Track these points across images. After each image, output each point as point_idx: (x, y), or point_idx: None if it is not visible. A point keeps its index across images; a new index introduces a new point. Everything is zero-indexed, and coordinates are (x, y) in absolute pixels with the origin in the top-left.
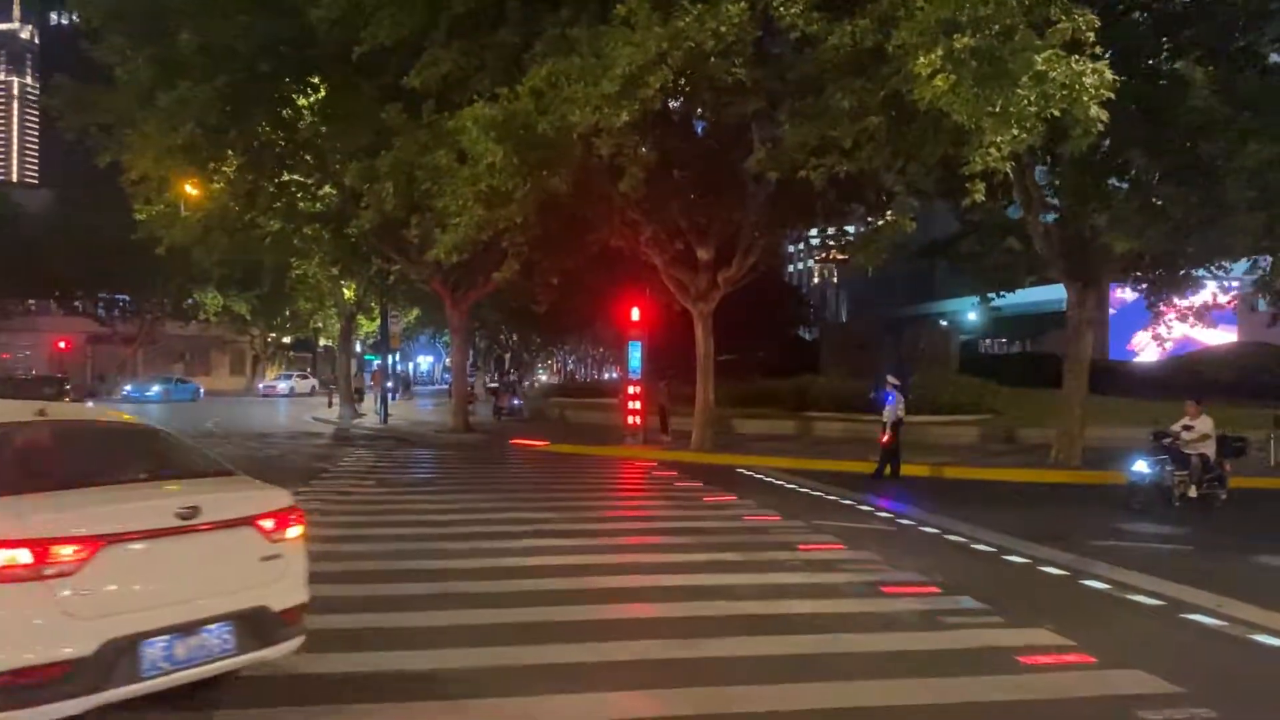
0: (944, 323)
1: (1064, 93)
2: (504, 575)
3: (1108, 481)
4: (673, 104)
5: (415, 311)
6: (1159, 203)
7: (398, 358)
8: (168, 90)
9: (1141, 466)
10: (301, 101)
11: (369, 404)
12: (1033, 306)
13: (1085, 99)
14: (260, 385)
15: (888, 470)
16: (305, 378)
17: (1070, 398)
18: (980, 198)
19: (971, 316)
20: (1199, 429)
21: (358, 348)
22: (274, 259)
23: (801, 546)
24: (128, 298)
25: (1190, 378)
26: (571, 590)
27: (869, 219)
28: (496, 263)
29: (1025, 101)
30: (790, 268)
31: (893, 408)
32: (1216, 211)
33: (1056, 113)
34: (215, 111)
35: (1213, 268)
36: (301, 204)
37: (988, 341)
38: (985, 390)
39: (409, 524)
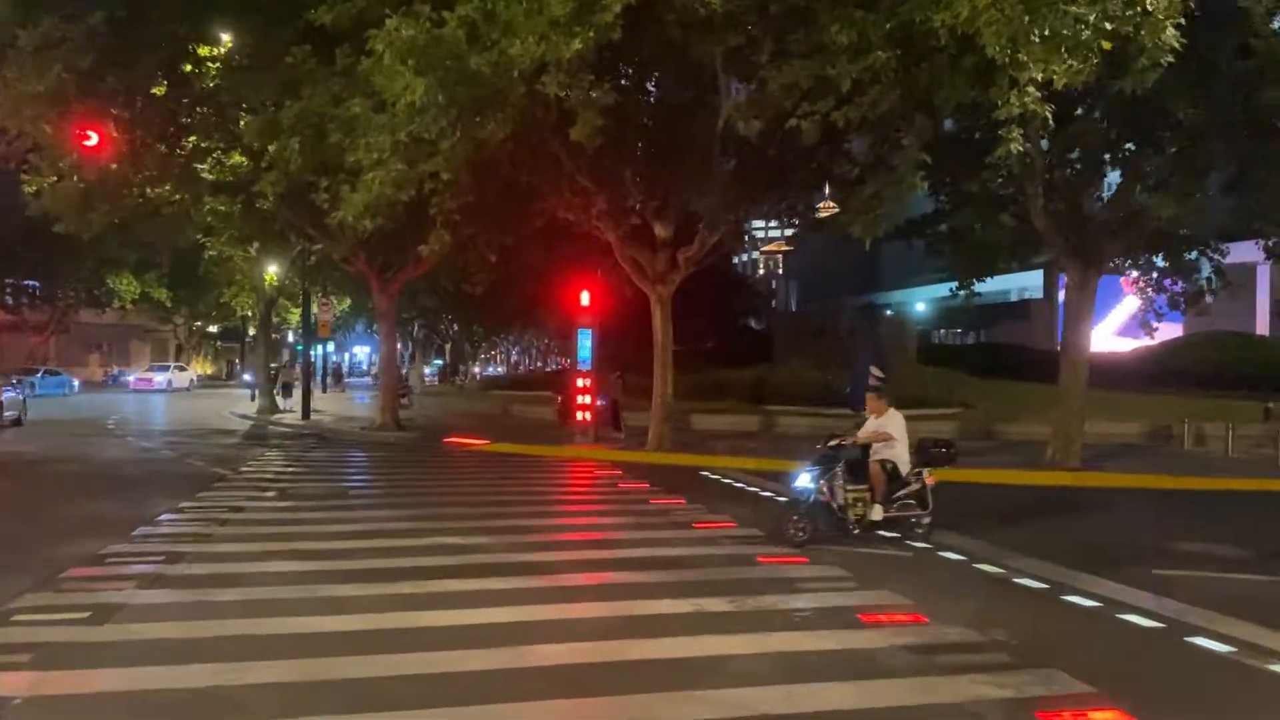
0: (889, 312)
1: (1129, 11)
2: (405, 645)
3: (1115, 485)
4: (629, 54)
5: (347, 300)
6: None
7: (331, 348)
8: (32, 28)
9: (805, 481)
10: (203, 51)
11: (299, 397)
12: (985, 296)
13: (1159, 16)
14: (132, 378)
15: None
16: (183, 369)
17: (1069, 392)
18: (1018, 147)
19: (920, 307)
20: (879, 427)
21: (290, 337)
22: (173, 236)
23: (805, 585)
24: (37, 284)
25: (1160, 368)
26: (501, 673)
27: (861, 184)
28: (426, 238)
29: (1081, 24)
30: (735, 259)
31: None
32: (1272, 172)
33: (1107, 45)
34: (89, 55)
35: (1210, 250)
36: (205, 172)
37: (941, 332)
38: (955, 382)
39: (301, 556)
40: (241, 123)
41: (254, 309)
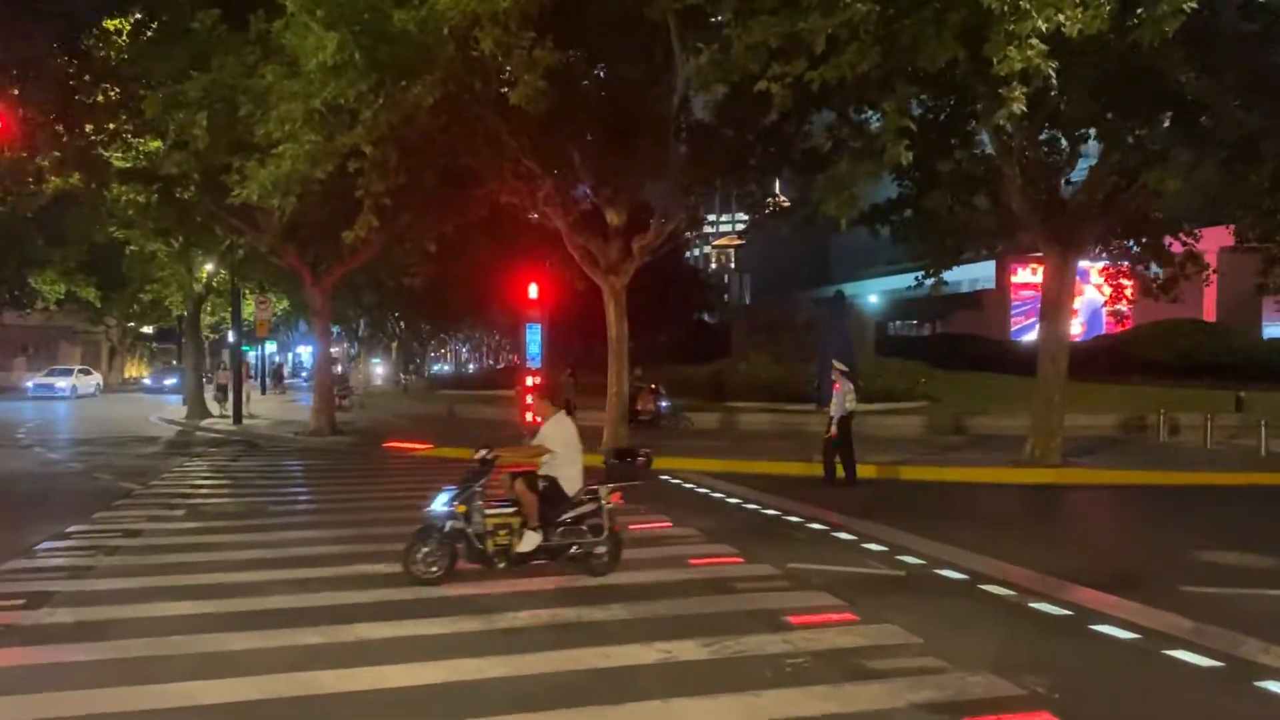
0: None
1: None
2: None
3: (1102, 482)
4: (575, 18)
5: (284, 300)
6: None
7: (274, 348)
8: None
9: (441, 503)
10: (110, 24)
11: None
12: (952, 286)
13: None
14: (30, 382)
15: (840, 473)
16: (89, 373)
17: (1048, 385)
18: (1021, 108)
19: (873, 299)
20: (539, 437)
21: (231, 336)
22: (91, 230)
23: (795, 620)
24: None
25: (1119, 357)
26: None
27: (833, 160)
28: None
29: None
30: (687, 253)
31: (840, 398)
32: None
33: None
34: None
35: (1186, 234)
36: (114, 158)
37: (896, 323)
38: (918, 374)
39: (195, 594)
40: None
41: (185, 308)
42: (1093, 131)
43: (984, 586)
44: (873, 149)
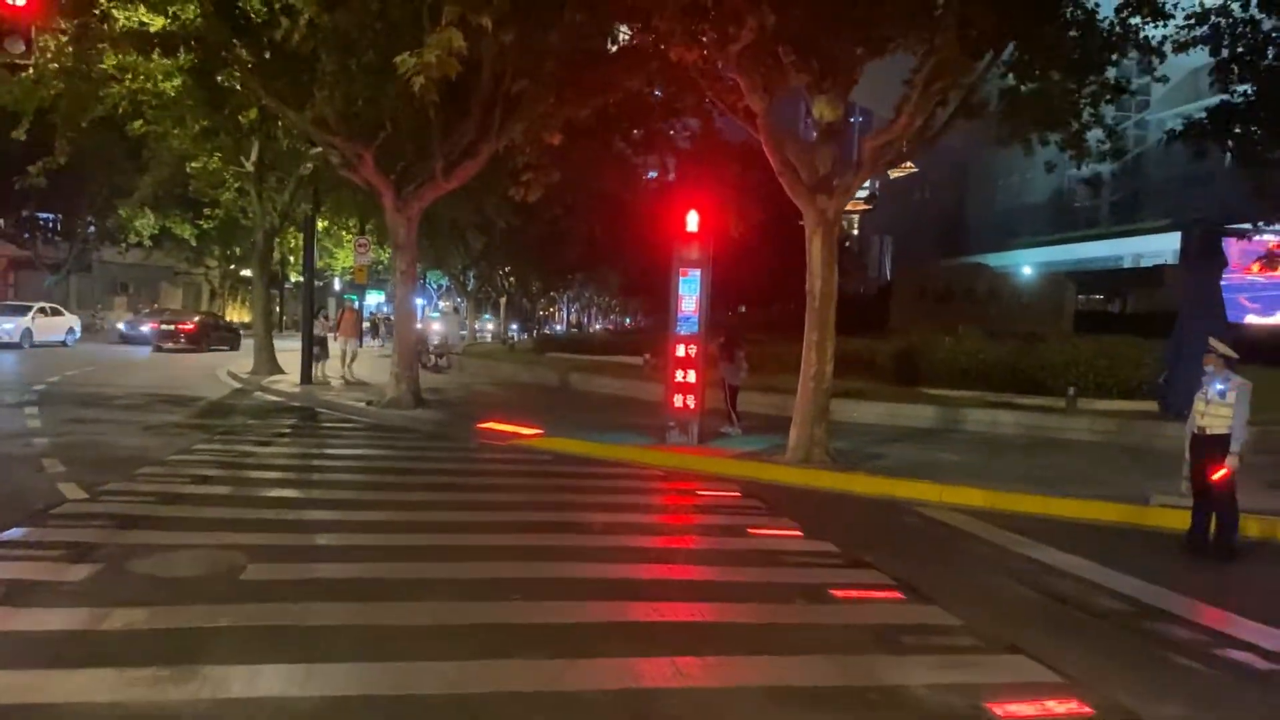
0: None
1: None
2: None
3: None
4: None
5: (384, 252)
6: None
7: (381, 297)
8: None
9: None
10: None
11: (344, 352)
12: (1113, 260)
13: None
14: None
15: (1212, 533)
16: (58, 314)
17: None
18: None
19: (1026, 270)
20: None
21: (336, 285)
22: (78, 112)
23: None
24: (56, 217)
25: None
26: None
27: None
28: (465, 148)
29: None
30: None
31: (1243, 406)
32: None
33: None
34: None
35: None
36: (124, 15)
37: (1081, 298)
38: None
39: None
40: None
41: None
42: None
43: None
44: None
